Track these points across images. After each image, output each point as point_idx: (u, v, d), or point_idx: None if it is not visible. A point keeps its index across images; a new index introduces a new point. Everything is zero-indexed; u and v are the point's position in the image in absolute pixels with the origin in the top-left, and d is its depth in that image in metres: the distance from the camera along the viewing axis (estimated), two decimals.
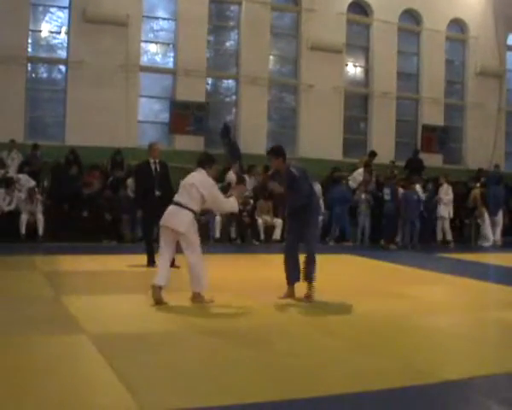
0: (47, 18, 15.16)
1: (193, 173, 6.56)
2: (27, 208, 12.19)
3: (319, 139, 16.35)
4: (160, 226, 6.46)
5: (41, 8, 15.02)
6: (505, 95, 19.20)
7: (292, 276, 6.72)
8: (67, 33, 14.89)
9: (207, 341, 5.04)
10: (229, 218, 12.98)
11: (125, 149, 14.31)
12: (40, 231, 12.13)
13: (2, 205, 12.29)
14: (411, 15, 18.16)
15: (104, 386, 3.86)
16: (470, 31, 18.64)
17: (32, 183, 12.62)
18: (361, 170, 15.19)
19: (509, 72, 19.39)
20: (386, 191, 14.35)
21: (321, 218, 13.30)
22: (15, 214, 12.22)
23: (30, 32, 14.72)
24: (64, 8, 14.93)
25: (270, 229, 13.64)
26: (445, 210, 14.78)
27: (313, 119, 16.59)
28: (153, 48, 16.11)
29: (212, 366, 4.35)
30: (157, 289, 6.25)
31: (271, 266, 8.75)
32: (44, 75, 15.52)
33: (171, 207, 6.39)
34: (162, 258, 6.45)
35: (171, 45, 16.04)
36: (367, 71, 17.90)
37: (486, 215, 14.93)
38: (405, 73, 18.32)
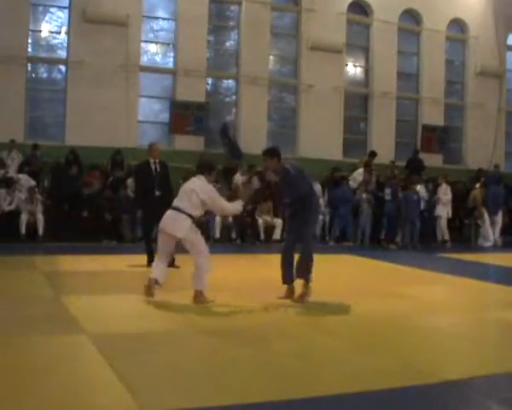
0: (47, 18, 15.16)
1: (193, 179, 6.62)
2: (27, 208, 12.19)
3: (319, 139, 16.35)
4: (159, 230, 6.55)
5: (41, 8, 15.02)
6: (505, 95, 19.20)
7: (287, 275, 6.72)
8: (67, 33, 14.88)
9: (207, 340, 5.04)
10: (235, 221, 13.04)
11: (125, 149, 14.31)
12: (40, 231, 12.13)
13: (2, 205, 12.29)
14: (411, 15, 18.16)
15: (104, 386, 3.86)
16: (470, 31, 18.64)
17: (32, 183, 12.63)
18: (361, 170, 15.19)
19: (509, 72, 19.38)
20: (387, 191, 14.37)
21: (321, 217, 13.36)
22: (15, 214, 12.21)
23: (30, 32, 14.71)
24: (64, 8, 14.93)
25: (270, 229, 13.64)
26: (444, 210, 14.79)
27: (313, 119, 16.59)
28: (153, 48, 16.11)
29: (212, 365, 4.36)
30: (152, 281, 6.40)
31: (271, 266, 8.72)
32: (44, 75, 15.52)
33: (169, 212, 6.43)
34: (159, 259, 6.61)
35: (171, 45, 16.04)
36: (367, 71, 17.90)
37: (486, 215, 14.94)
38: (405, 73, 18.32)
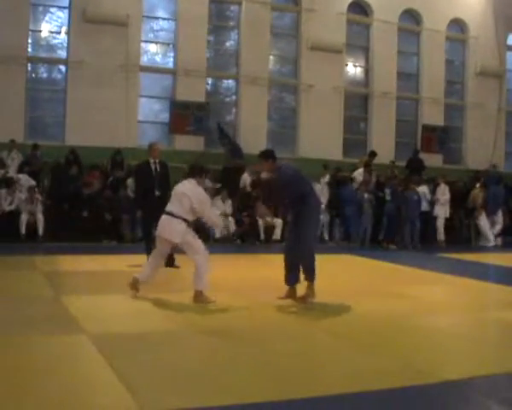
0: (47, 18, 15.17)
1: (184, 182, 6.65)
2: (27, 208, 12.19)
3: (319, 139, 16.35)
4: (156, 235, 6.66)
5: (41, 8, 15.02)
6: (505, 95, 19.20)
7: (291, 277, 6.68)
8: (67, 33, 14.89)
9: (207, 340, 5.04)
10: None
11: (125, 149, 14.31)
12: (40, 231, 12.13)
13: (3, 205, 12.30)
14: (411, 15, 18.16)
15: (104, 386, 3.86)
16: (470, 31, 18.64)
17: (32, 183, 12.63)
18: (361, 170, 15.18)
19: (509, 72, 19.39)
20: (387, 191, 14.36)
21: (321, 217, 13.33)
22: (15, 214, 12.21)
23: (30, 32, 14.72)
24: (64, 8, 14.94)
25: (270, 229, 13.63)
26: (441, 210, 14.80)
27: (313, 119, 16.59)
28: (153, 48, 16.11)
29: (212, 365, 4.35)
30: (134, 279, 6.62)
31: (271, 266, 8.75)
32: (44, 75, 15.52)
33: (163, 218, 6.50)
34: (152, 258, 6.75)
35: (171, 45, 16.04)
36: (367, 71, 17.90)
37: (484, 215, 14.95)
38: (405, 73, 18.32)
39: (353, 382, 4.04)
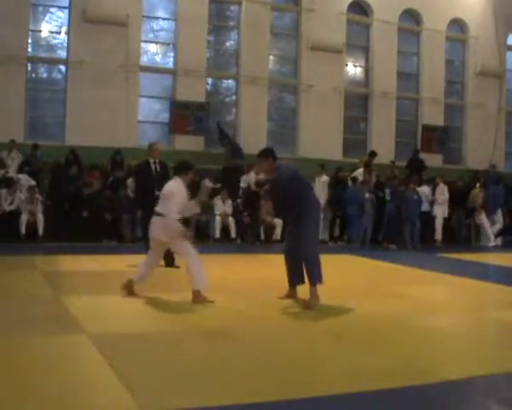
0: (47, 18, 15.18)
1: (170, 182, 6.67)
2: (27, 208, 12.20)
3: (319, 139, 16.36)
4: (149, 237, 6.70)
5: (41, 8, 15.03)
6: (505, 95, 19.21)
7: (293, 278, 6.64)
8: (67, 33, 14.90)
9: (207, 340, 5.04)
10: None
11: (125, 149, 14.31)
12: (40, 231, 12.13)
13: (3, 205, 12.30)
14: (411, 15, 18.17)
15: (104, 386, 3.86)
16: (470, 31, 18.65)
17: (32, 183, 12.63)
18: (361, 170, 15.18)
19: (509, 72, 19.40)
20: (387, 191, 14.35)
21: (322, 216, 13.30)
22: (15, 214, 12.22)
23: (30, 32, 14.73)
24: (64, 8, 14.95)
25: (270, 229, 13.63)
26: (439, 209, 14.81)
27: (313, 119, 16.59)
28: (153, 48, 16.12)
29: (212, 365, 4.35)
30: (128, 279, 6.65)
31: (271, 266, 8.76)
32: (44, 75, 15.53)
33: (153, 219, 6.56)
34: (147, 258, 6.76)
35: (171, 45, 16.05)
36: (367, 71, 17.91)
37: (484, 215, 14.95)
38: (405, 73, 18.33)
39: (353, 382, 4.04)
